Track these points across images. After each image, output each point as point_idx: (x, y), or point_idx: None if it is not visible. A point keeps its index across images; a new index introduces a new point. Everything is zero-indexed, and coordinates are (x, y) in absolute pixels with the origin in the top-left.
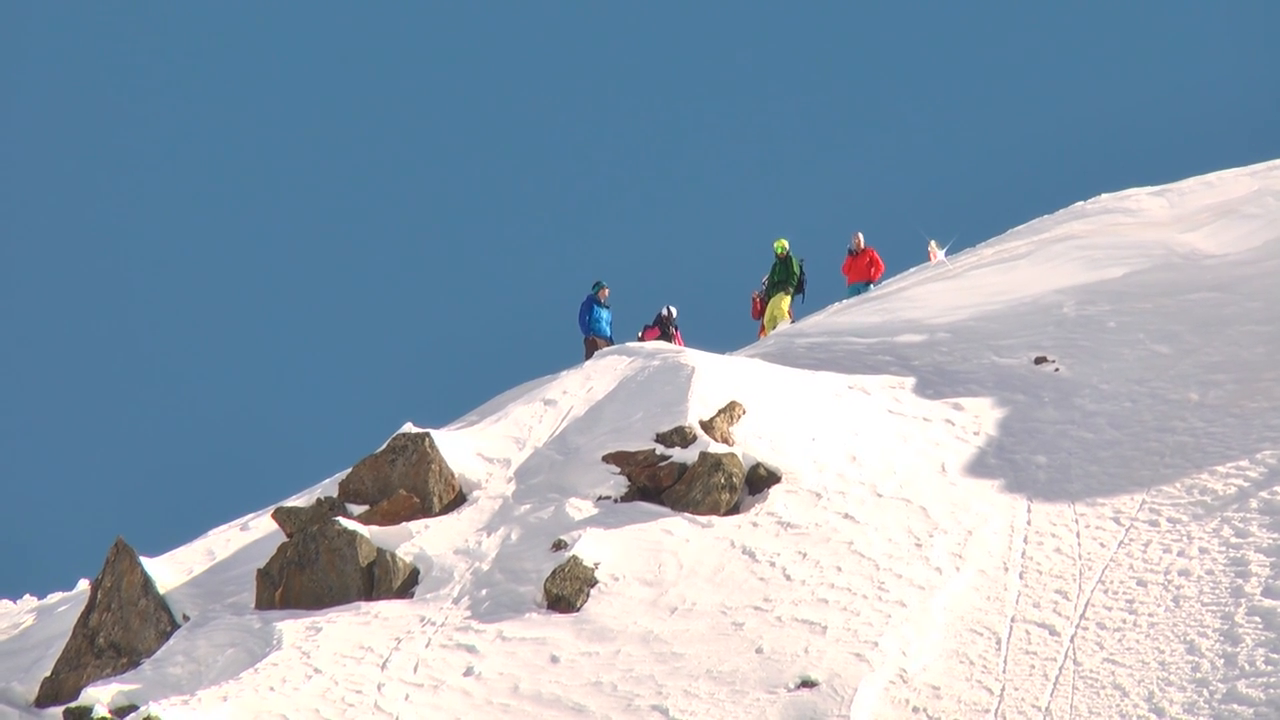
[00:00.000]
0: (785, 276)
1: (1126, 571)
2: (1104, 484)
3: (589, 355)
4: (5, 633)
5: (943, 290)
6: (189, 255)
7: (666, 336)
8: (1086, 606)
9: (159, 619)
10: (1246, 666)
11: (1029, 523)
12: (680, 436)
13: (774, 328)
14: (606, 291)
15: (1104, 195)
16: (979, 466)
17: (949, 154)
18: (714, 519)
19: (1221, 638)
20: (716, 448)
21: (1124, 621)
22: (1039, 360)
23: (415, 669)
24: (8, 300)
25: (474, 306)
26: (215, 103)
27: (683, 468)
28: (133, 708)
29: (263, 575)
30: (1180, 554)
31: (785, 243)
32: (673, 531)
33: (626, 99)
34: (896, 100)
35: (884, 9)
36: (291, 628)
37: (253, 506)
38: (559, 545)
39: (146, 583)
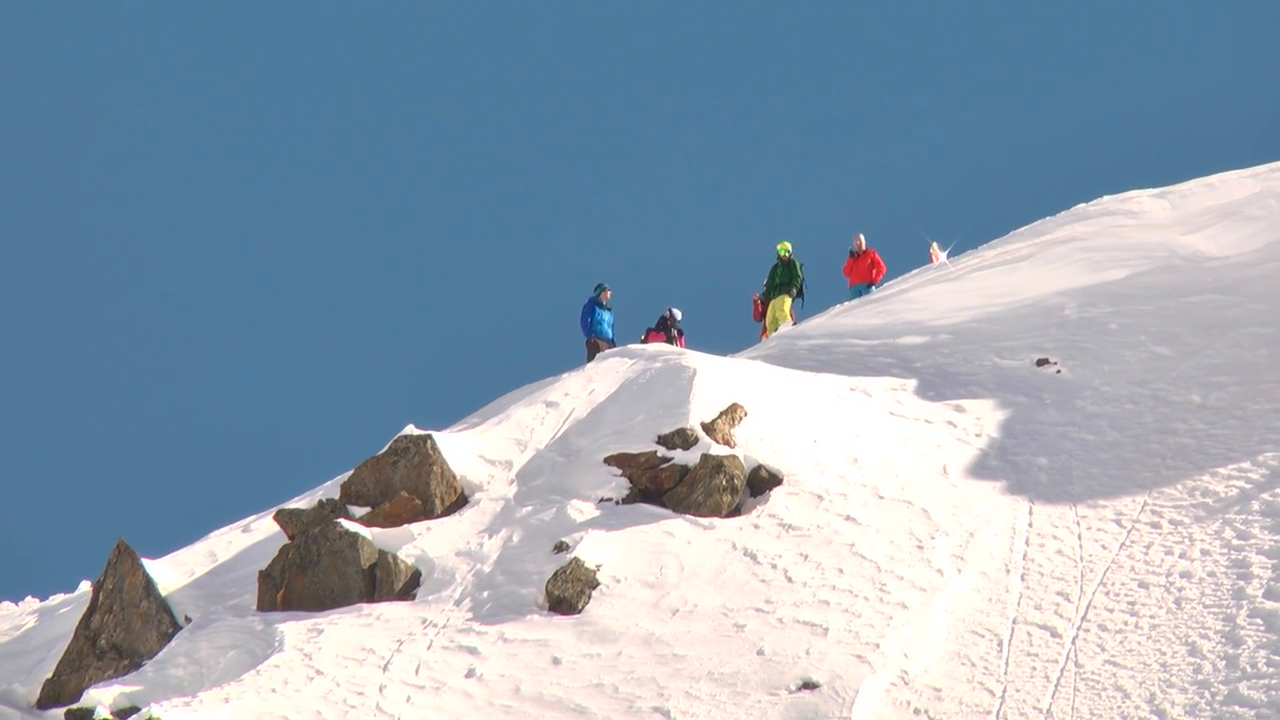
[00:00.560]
0: (787, 279)
1: (1128, 573)
2: (1106, 486)
3: (591, 357)
4: (7, 634)
5: (944, 292)
6: (190, 257)
7: (670, 339)
8: (1088, 608)
9: (161, 621)
10: (1248, 668)
11: (1030, 524)
12: (682, 438)
13: (775, 330)
14: (608, 294)
15: (1106, 197)
16: (980, 468)
17: (951, 156)
18: (715, 521)
19: (1223, 640)
20: (718, 450)
21: (1125, 623)
22: (1041, 362)
23: (417, 671)
24: (10, 302)
25: (476, 308)
26: (217, 104)
27: (684, 470)
28: (134, 709)
29: (264, 577)
30: (1182, 556)
31: (789, 245)
32: (674, 533)
33: (627, 100)
34: (898, 102)
35: (888, 10)
36: (293, 629)
37: (254, 508)
38: (560, 547)
39: (148, 584)
